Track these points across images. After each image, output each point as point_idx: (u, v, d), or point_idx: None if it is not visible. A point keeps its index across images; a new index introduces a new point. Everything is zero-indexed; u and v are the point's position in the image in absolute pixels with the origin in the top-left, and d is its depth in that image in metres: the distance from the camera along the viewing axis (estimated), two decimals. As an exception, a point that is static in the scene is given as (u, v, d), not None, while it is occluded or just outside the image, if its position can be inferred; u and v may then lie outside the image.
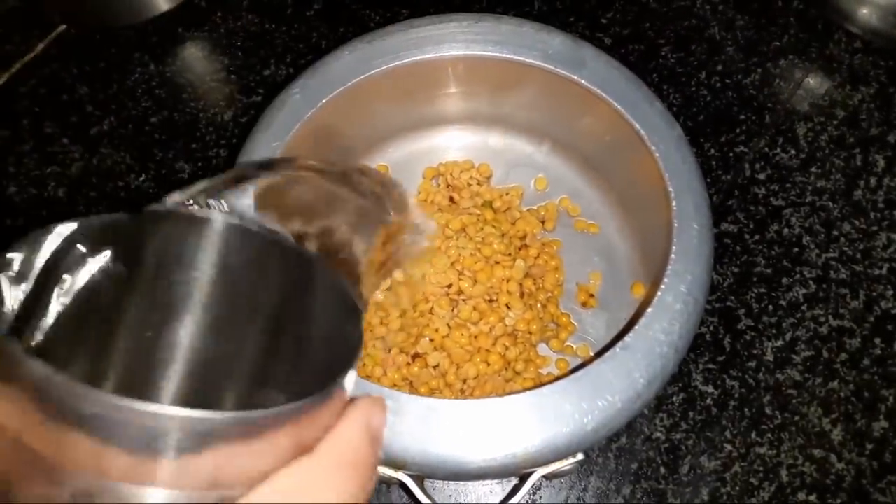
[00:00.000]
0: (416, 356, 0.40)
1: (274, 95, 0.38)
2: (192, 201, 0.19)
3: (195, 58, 0.55)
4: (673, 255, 0.33)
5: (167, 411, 0.14)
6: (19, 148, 0.51)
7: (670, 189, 0.34)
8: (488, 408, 0.30)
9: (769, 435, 0.41)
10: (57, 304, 0.16)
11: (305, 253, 0.19)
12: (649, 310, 0.32)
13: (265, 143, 0.36)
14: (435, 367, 0.39)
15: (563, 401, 0.30)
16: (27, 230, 0.16)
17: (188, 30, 0.56)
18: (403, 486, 0.32)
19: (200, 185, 0.20)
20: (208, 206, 0.19)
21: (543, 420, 0.29)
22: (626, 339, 0.31)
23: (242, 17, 0.56)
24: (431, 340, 0.40)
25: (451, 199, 0.44)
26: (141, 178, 0.50)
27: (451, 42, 0.38)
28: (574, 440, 0.30)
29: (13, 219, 0.48)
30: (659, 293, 0.32)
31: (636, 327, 0.31)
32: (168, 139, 0.51)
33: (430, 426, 0.29)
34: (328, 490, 0.16)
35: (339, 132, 0.40)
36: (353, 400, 0.18)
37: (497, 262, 0.41)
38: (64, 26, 0.56)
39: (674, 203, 0.34)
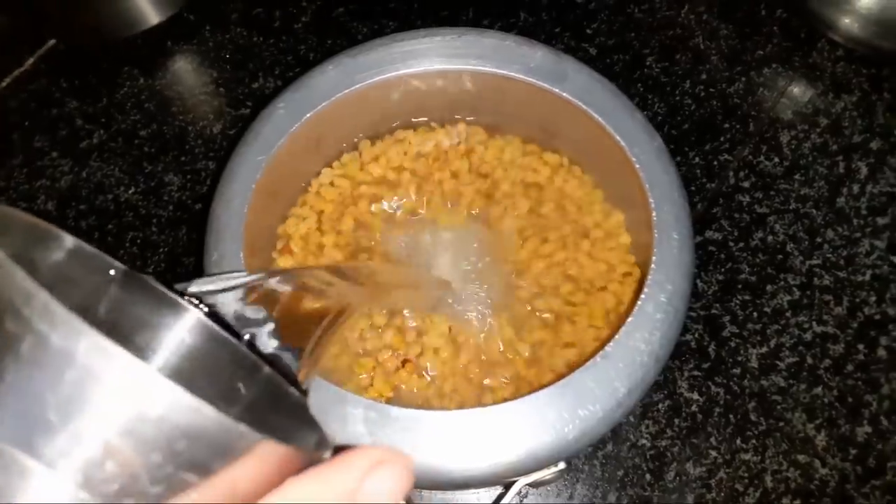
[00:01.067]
0: (405, 362, 0.40)
1: (262, 108, 0.39)
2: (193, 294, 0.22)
3: (184, 71, 0.55)
4: (653, 266, 0.33)
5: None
6: (9, 162, 0.51)
7: (651, 200, 0.35)
8: (470, 418, 0.30)
9: (754, 441, 0.41)
10: None
11: (260, 365, 0.21)
12: (630, 319, 0.32)
13: (250, 158, 0.36)
14: (422, 374, 0.40)
15: (545, 410, 0.30)
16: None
17: (177, 43, 0.56)
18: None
19: (208, 285, 0.22)
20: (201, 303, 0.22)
21: (525, 430, 0.30)
22: (607, 348, 0.31)
23: (231, 31, 0.56)
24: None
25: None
26: (130, 191, 0.50)
27: (434, 56, 0.39)
28: (556, 449, 0.30)
29: (3, 233, 0.48)
30: (639, 303, 0.32)
31: (617, 337, 0.31)
32: (157, 152, 0.51)
33: (413, 436, 0.30)
34: None
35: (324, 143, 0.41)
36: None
37: None
38: (53, 41, 0.56)
39: (654, 214, 0.34)
